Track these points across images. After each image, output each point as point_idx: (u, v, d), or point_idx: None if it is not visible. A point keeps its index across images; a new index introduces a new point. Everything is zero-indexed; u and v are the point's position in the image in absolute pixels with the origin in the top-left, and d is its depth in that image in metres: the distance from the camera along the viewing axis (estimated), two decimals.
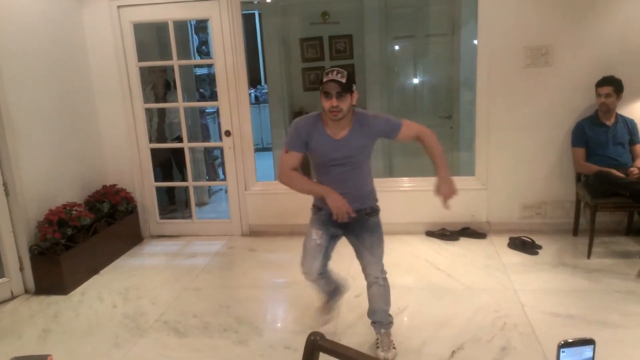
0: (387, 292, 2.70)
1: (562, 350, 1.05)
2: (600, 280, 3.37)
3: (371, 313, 2.75)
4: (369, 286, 2.69)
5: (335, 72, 2.34)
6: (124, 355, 2.81)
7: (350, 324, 3.01)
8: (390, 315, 2.75)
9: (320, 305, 2.88)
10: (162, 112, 5.29)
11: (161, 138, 5.24)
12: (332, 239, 2.65)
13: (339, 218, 2.44)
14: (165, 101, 5.08)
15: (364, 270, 2.67)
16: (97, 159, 4.51)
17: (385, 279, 2.68)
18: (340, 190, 2.50)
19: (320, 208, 2.62)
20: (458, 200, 4.27)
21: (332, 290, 2.82)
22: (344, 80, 2.32)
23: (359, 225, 2.60)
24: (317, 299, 2.90)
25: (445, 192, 2.51)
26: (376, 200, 2.69)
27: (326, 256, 2.64)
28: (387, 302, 2.72)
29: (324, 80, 2.34)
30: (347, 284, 2.89)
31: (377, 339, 2.70)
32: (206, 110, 6.25)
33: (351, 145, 2.47)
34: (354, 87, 2.39)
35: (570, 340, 1.05)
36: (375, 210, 2.66)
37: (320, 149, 2.49)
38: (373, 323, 2.75)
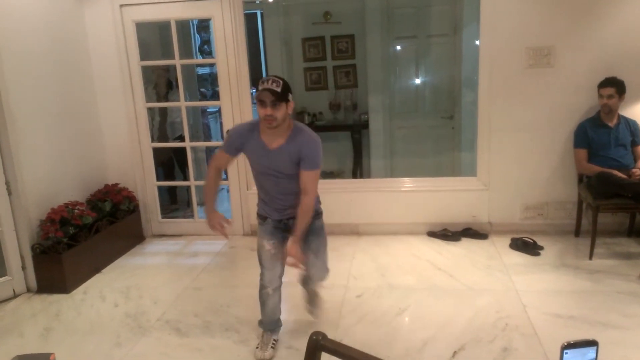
0: (318, 297, 2.98)
1: (565, 351, 1.05)
2: (602, 282, 3.37)
3: (312, 304, 2.98)
4: (305, 284, 2.93)
5: (270, 81, 2.35)
6: (126, 354, 2.81)
7: (352, 324, 3.01)
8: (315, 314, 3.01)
9: (260, 343, 2.82)
10: (163, 112, 5.30)
11: (163, 137, 5.25)
12: (283, 244, 2.66)
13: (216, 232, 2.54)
14: (167, 100, 5.09)
15: (309, 270, 2.74)
16: (99, 158, 4.52)
17: (327, 276, 2.85)
18: (278, 197, 2.58)
19: (265, 217, 2.69)
20: (460, 200, 4.33)
21: (275, 321, 2.87)
22: (278, 90, 2.33)
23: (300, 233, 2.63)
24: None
25: (292, 255, 2.46)
26: (319, 203, 2.73)
27: (283, 261, 2.66)
28: (317, 305, 3.01)
29: (259, 88, 2.35)
30: (281, 323, 2.93)
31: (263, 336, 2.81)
32: (208, 110, 6.25)
33: (283, 156, 2.48)
34: (290, 97, 2.40)
35: (573, 342, 1.06)
36: (318, 213, 2.70)
37: (253, 156, 2.56)
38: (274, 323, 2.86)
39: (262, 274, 2.72)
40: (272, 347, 2.74)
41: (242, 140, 2.54)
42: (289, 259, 2.46)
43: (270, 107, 2.35)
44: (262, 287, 2.74)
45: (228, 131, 2.63)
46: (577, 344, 1.06)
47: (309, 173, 2.48)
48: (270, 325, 2.82)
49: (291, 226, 2.65)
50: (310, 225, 2.63)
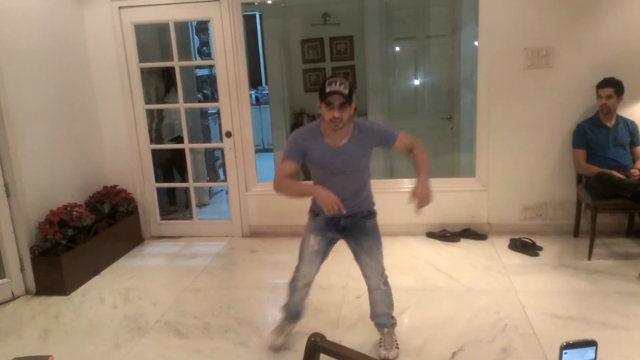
0: (389, 296, 2.72)
1: (564, 351, 1.05)
2: (601, 282, 3.37)
3: (374, 316, 2.77)
4: (370, 290, 2.71)
5: (338, 83, 2.31)
6: (125, 355, 2.81)
7: (350, 325, 3.01)
8: (393, 317, 2.77)
9: (277, 328, 2.85)
10: (160, 113, 5.30)
11: (160, 139, 5.25)
12: (329, 244, 2.67)
13: (328, 211, 2.35)
14: (164, 102, 5.09)
15: (364, 274, 2.69)
16: (97, 159, 4.51)
17: (386, 283, 2.70)
18: (340, 196, 2.48)
19: (317, 213, 2.62)
20: (459, 201, 4.33)
21: (297, 313, 2.82)
22: (346, 92, 2.30)
23: (357, 228, 2.62)
24: (278, 320, 2.91)
25: (421, 195, 2.46)
26: (373, 203, 2.73)
27: (322, 261, 2.68)
28: (390, 305, 2.74)
29: (327, 90, 2.30)
30: (305, 314, 2.87)
31: (381, 338, 2.72)
32: (208, 111, 6.26)
33: (351, 152, 2.49)
34: (354, 97, 2.39)
35: (572, 342, 1.06)
36: (372, 213, 2.69)
37: (321, 159, 2.51)
38: (376, 324, 2.77)
39: (297, 267, 2.69)
40: (286, 335, 2.75)
41: (307, 144, 2.49)
42: (419, 199, 2.44)
43: (338, 110, 2.32)
44: (294, 279, 2.72)
45: (290, 137, 2.57)
46: (576, 344, 1.06)
47: (399, 138, 2.56)
48: (290, 315, 2.81)
49: (345, 226, 2.61)
50: (363, 225, 2.63)
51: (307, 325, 2.98)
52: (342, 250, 4.12)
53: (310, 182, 2.68)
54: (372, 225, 2.67)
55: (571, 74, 4.00)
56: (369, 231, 2.64)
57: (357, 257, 2.68)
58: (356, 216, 2.61)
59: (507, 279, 3.49)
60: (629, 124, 3.90)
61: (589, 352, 1.06)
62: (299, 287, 2.70)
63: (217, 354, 2.80)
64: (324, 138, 2.48)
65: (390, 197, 4.43)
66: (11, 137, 3.49)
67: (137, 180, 4.64)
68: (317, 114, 6.84)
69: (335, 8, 6.09)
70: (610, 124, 3.86)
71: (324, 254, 2.66)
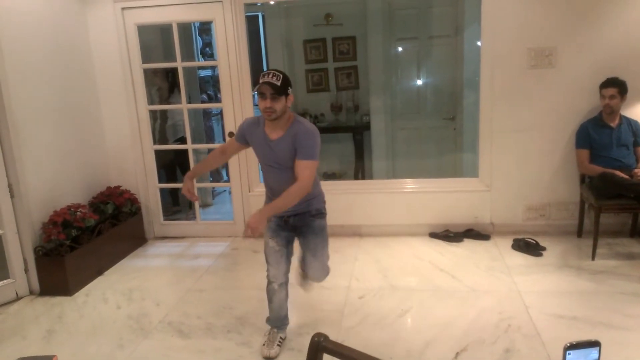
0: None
1: (568, 352, 1.05)
2: (605, 282, 3.37)
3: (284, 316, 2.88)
4: (307, 282, 2.98)
5: (270, 75, 2.45)
6: (128, 356, 2.82)
7: (353, 325, 3.01)
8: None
9: (267, 341, 2.80)
10: (163, 114, 5.31)
11: (164, 140, 5.26)
12: (288, 243, 2.74)
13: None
14: (168, 103, 5.09)
15: (307, 270, 2.82)
16: (101, 160, 4.52)
17: (326, 276, 2.89)
18: (277, 189, 2.57)
19: (270, 218, 2.68)
20: (462, 201, 4.32)
21: (282, 318, 2.85)
22: (278, 83, 2.42)
23: (306, 227, 2.70)
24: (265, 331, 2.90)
25: (251, 224, 2.34)
26: (323, 202, 2.77)
27: (288, 258, 2.74)
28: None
29: (260, 81, 2.44)
30: (288, 319, 2.91)
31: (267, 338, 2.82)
32: (212, 112, 6.26)
33: (280, 148, 2.55)
34: (290, 91, 2.50)
35: (576, 342, 1.06)
36: (320, 213, 2.74)
37: (258, 148, 2.64)
38: (281, 323, 2.88)
39: (267, 270, 2.76)
40: (278, 344, 2.76)
41: (250, 130, 2.65)
42: (247, 227, 2.35)
43: (270, 100, 2.44)
44: (268, 283, 2.77)
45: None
46: (579, 345, 1.06)
47: (304, 162, 2.48)
48: (277, 321, 2.83)
49: (294, 224, 2.69)
50: (311, 223, 2.68)
51: (310, 326, 2.98)
52: (344, 251, 4.14)
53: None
54: (321, 225, 2.73)
55: (574, 74, 3.99)
56: (317, 230, 2.71)
57: (303, 254, 2.80)
58: (304, 215, 2.67)
59: (511, 280, 3.48)
60: (632, 124, 3.89)
61: (593, 352, 1.06)
62: (275, 289, 2.74)
63: (220, 354, 2.80)
64: (264, 128, 2.59)
65: (393, 197, 4.46)
66: (15, 138, 3.50)
67: (140, 180, 4.65)
68: (320, 114, 6.87)
69: (338, 8, 6.09)
70: (614, 124, 3.85)
71: (287, 253, 2.73)
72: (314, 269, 2.78)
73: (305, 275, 2.98)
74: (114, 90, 4.47)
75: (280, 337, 2.80)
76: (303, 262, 2.87)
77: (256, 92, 2.49)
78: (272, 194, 2.66)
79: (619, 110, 3.84)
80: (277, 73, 2.47)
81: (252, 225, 2.33)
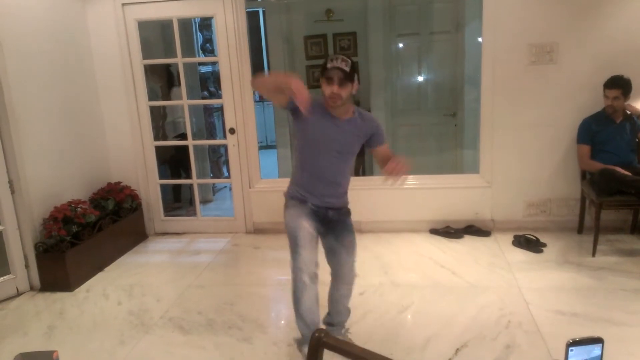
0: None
1: (570, 348, 1.04)
2: (605, 278, 3.37)
3: (335, 314, 2.70)
4: (336, 288, 2.62)
5: (340, 60, 2.33)
6: (129, 351, 2.82)
7: (354, 321, 3.00)
8: (349, 311, 2.76)
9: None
10: (163, 111, 5.31)
11: (164, 136, 5.26)
12: (318, 234, 2.52)
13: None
14: (170, 100, 5.09)
15: (338, 270, 2.58)
16: (101, 156, 4.52)
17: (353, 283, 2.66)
18: (323, 180, 2.49)
19: (305, 200, 2.51)
20: (462, 198, 4.32)
21: (315, 325, 2.39)
22: (347, 69, 2.32)
23: (341, 224, 2.58)
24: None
25: (395, 167, 2.31)
26: (348, 202, 2.67)
27: (317, 250, 2.47)
28: (349, 301, 2.72)
29: (328, 66, 2.33)
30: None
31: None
32: (214, 107, 6.25)
33: (349, 130, 2.46)
34: (356, 77, 2.39)
35: (578, 339, 1.05)
36: (349, 212, 2.65)
37: (319, 126, 2.43)
38: (330, 325, 2.69)
39: (296, 259, 2.36)
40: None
41: (314, 109, 2.38)
42: (395, 168, 2.26)
43: (338, 86, 2.33)
44: (298, 276, 2.35)
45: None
46: (582, 341, 1.05)
47: (385, 147, 2.55)
48: (308, 329, 2.36)
49: (330, 218, 2.53)
50: (346, 220, 2.60)
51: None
52: None
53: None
54: (351, 223, 2.64)
55: (575, 70, 3.98)
56: (350, 227, 2.61)
57: (335, 254, 2.56)
58: (341, 210, 2.59)
59: (511, 276, 3.48)
60: (635, 120, 3.88)
61: (596, 349, 1.05)
62: (306, 283, 2.33)
63: (221, 350, 2.80)
64: (329, 110, 2.44)
65: (394, 194, 4.45)
66: (15, 134, 3.49)
67: (141, 176, 4.64)
68: None
69: (339, 4, 6.07)
70: (618, 120, 3.84)
71: (317, 242, 2.48)
72: (348, 267, 2.57)
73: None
74: (114, 86, 4.46)
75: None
76: (332, 262, 2.59)
77: (323, 77, 2.34)
78: (312, 181, 2.49)
79: (622, 108, 3.83)
80: (346, 58, 2.34)
81: (402, 167, 2.28)
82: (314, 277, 2.38)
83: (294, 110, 2.39)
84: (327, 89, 2.35)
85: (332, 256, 2.59)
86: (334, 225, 2.56)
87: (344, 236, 2.57)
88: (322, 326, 2.62)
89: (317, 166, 2.49)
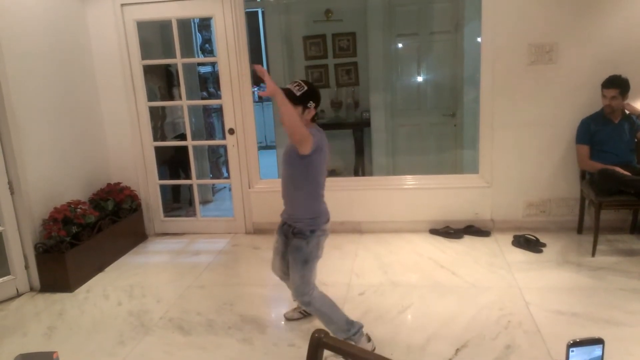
0: (321, 309, 2.62)
1: (571, 349, 1.04)
2: (605, 278, 3.37)
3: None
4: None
5: (295, 84, 2.51)
6: (129, 352, 2.82)
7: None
8: (334, 323, 2.62)
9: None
10: (163, 112, 5.31)
11: (163, 137, 5.25)
12: (285, 246, 2.71)
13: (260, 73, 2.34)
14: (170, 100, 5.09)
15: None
16: (101, 157, 4.52)
17: (309, 301, 2.59)
18: (282, 194, 2.70)
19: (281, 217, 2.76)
20: (462, 198, 4.32)
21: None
22: (297, 93, 2.47)
23: (288, 239, 2.67)
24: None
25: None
26: (310, 227, 2.58)
27: (284, 260, 2.72)
28: (326, 315, 2.63)
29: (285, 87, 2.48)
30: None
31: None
32: (213, 107, 6.25)
33: (288, 147, 2.56)
34: (311, 104, 2.50)
35: (579, 340, 1.05)
36: (301, 233, 2.58)
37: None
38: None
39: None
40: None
41: None
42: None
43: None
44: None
45: None
46: (583, 342, 1.05)
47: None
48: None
49: (285, 232, 2.69)
50: (290, 239, 2.63)
51: (311, 322, 2.98)
52: (345, 247, 4.14)
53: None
54: (297, 245, 2.58)
55: (575, 70, 3.99)
56: (292, 249, 2.60)
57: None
58: (290, 227, 2.65)
59: (511, 276, 3.49)
60: (634, 120, 3.88)
61: (596, 350, 1.05)
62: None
63: (221, 350, 2.80)
64: None
65: (393, 194, 4.46)
66: (15, 134, 3.49)
67: (140, 177, 4.64)
68: (320, 110, 6.86)
69: (338, 4, 6.07)
70: (616, 120, 3.85)
71: (282, 254, 2.74)
72: (292, 282, 2.63)
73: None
74: (113, 87, 4.46)
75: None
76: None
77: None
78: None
79: (620, 108, 3.83)
80: (302, 84, 2.51)
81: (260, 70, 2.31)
82: (283, 279, 2.86)
83: None
84: None
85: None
86: (286, 242, 2.70)
87: (287, 254, 2.68)
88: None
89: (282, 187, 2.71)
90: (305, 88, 2.50)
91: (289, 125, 2.33)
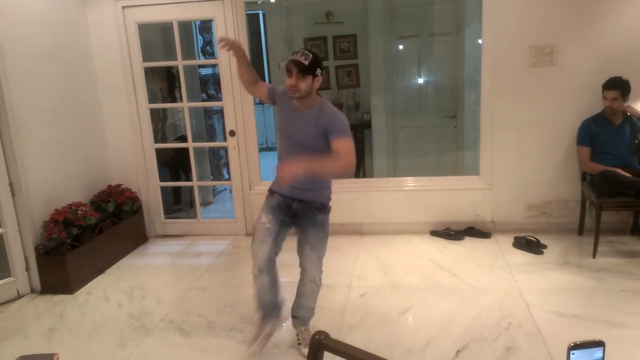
0: (318, 291, 2.71)
1: (572, 352, 1.04)
2: (606, 280, 3.36)
3: (297, 307, 2.75)
4: (302, 282, 2.67)
5: (300, 54, 2.42)
6: (129, 354, 2.82)
7: (354, 323, 3.01)
8: (313, 312, 2.77)
9: (256, 329, 2.76)
10: (164, 114, 5.31)
11: (164, 139, 5.26)
12: (282, 227, 2.62)
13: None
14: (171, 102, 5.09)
15: (302, 264, 2.64)
16: (102, 159, 4.52)
17: (321, 279, 2.66)
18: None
19: (273, 191, 2.65)
20: (463, 199, 4.32)
21: (271, 305, 2.68)
22: (306, 63, 2.40)
23: (307, 218, 2.60)
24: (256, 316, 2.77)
25: (284, 171, 2.31)
26: (329, 199, 2.66)
27: (276, 243, 2.60)
28: (315, 300, 2.73)
29: (289, 59, 2.43)
30: (284, 311, 2.77)
31: (298, 336, 2.76)
32: (214, 109, 6.26)
33: (309, 120, 2.48)
34: (318, 72, 2.44)
35: (580, 342, 1.05)
36: (324, 207, 2.63)
37: (282, 113, 2.63)
38: (294, 318, 2.77)
39: (251, 245, 2.62)
40: (263, 339, 2.67)
41: (282, 95, 2.60)
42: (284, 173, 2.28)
43: (296, 78, 2.40)
44: (252, 258, 2.61)
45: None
46: (584, 345, 1.05)
47: (340, 140, 2.39)
48: (262, 309, 2.67)
49: (295, 209, 2.59)
50: (314, 216, 2.59)
51: (312, 324, 2.98)
52: (346, 249, 4.14)
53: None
54: (323, 219, 2.62)
55: (575, 71, 3.99)
56: (318, 224, 2.60)
57: (300, 246, 2.63)
58: (309, 204, 2.58)
59: (512, 277, 3.48)
60: (635, 122, 3.88)
61: (597, 352, 1.05)
62: (255, 274, 2.59)
63: (221, 352, 2.80)
64: (290, 101, 2.54)
65: (394, 195, 4.46)
66: (16, 136, 3.50)
67: (141, 179, 4.65)
68: None
69: (339, 6, 6.08)
70: (617, 121, 3.85)
71: (276, 235, 2.58)
72: (310, 261, 2.60)
73: (258, 334, 2.73)
74: (114, 89, 4.47)
75: (268, 332, 2.68)
76: (299, 254, 2.65)
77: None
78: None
79: (621, 110, 3.83)
80: (307, 53, 2.43)
81: (288, 172, 2.25)
82: (263, 270, 2.59)
83: (274, 102, 2.67)
84: (287, 82, 2.44)
85: (299, 248, 2.64)
86: (300, 219, 2.61)
87: (308, 232, 2.60)
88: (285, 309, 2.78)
89: (284, 154, 2.61)
90: (311, 56, 2.43)
91: (342, 173, 2.35)
